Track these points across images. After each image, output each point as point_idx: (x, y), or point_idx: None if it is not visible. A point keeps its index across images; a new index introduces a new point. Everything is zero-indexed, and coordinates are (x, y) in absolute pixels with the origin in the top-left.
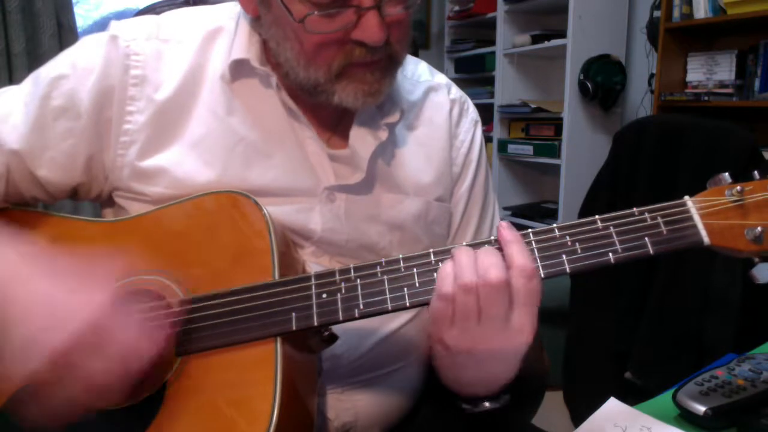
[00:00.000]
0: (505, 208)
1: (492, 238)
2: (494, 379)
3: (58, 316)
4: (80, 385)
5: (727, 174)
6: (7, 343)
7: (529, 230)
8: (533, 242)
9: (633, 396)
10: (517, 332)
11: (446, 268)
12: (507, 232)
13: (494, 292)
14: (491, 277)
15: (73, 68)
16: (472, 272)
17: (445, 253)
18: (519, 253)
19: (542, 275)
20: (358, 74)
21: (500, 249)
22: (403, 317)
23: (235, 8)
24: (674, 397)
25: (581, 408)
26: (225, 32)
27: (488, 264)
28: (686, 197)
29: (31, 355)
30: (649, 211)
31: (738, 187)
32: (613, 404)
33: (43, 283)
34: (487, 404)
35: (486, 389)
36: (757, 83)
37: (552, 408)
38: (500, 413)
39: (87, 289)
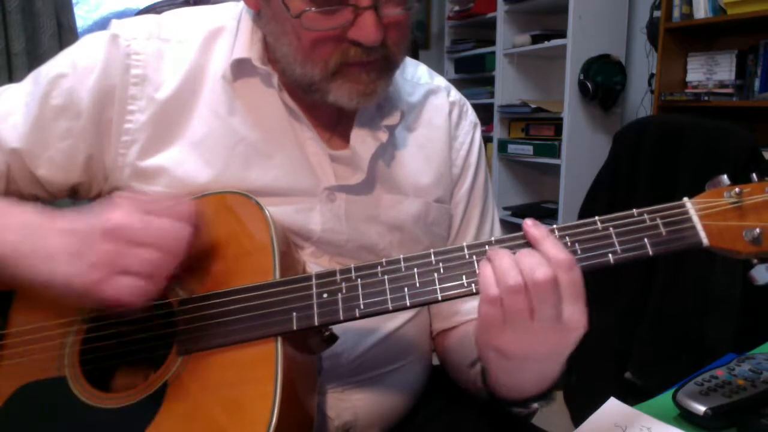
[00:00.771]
0: (505, 208)
1: (492, 239)
2: (546, 378)
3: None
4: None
5: (725, 176)
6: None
7: None
8: None
9: (633, 396)
10: (571, 328)
11: (487, 272)
12: (535, 230)
13: (544, 290)
14: (539, 276)
15: (73, 67)
16: (517, 273)
17: (446, 253)
18: (555, 248)
19: None
20: (353, 74)
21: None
22: (402, 317)
23: (237, 8)
24: (674, 397)
25: (581, 408)
26: (227, 32)
27: (534, 263)
28: (685, 199)
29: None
30: (649, 213)
31: (736, 189)
32: (613, 404)
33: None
34: (536, 405)
35: (537, 389)
36: (757, 83)
37: (552, 408)
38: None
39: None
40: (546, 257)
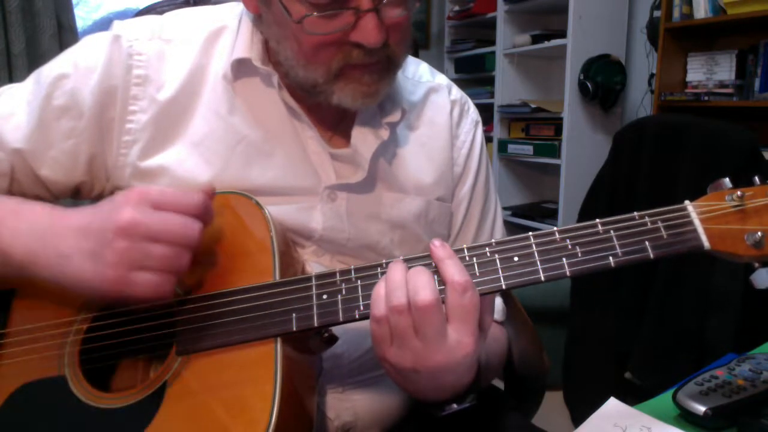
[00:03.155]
0: (505, 208)
1: (493, 241)
2: (449, 388)
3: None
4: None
5: (727, 179)
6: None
7: (530, 233)
8: (534, 245)
9: (633, 396)
10: (455, 347)
11: (379, 291)
12: (439, 250)
13: (426, 312)
14: (421, 299)
15: (75, 67)
16: (403, 293)
17: None
18: (452, 268)
19: (542, 278)
20: (355, 75)
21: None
22: None
23: (238, 8)
24: (674, 397)
25: (581, 408)
26: (227, 32)
27: (419, 285)
28: (686, 202)
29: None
30: (650, 216)
31: (738, 192)
32: (613, 404)
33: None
34: (454, 406)
35: (443, 396)
36: (757, 83)
37: (552, 408)
38: (474, 411)
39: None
40: (441, 277)
